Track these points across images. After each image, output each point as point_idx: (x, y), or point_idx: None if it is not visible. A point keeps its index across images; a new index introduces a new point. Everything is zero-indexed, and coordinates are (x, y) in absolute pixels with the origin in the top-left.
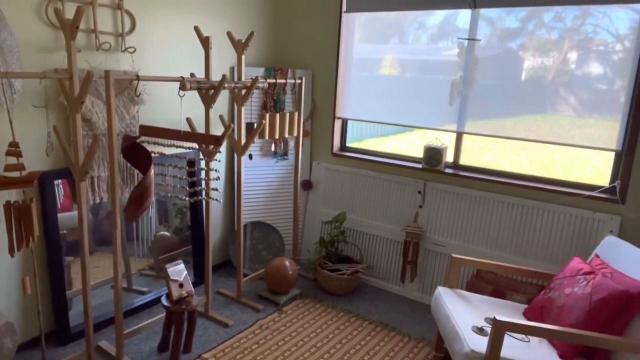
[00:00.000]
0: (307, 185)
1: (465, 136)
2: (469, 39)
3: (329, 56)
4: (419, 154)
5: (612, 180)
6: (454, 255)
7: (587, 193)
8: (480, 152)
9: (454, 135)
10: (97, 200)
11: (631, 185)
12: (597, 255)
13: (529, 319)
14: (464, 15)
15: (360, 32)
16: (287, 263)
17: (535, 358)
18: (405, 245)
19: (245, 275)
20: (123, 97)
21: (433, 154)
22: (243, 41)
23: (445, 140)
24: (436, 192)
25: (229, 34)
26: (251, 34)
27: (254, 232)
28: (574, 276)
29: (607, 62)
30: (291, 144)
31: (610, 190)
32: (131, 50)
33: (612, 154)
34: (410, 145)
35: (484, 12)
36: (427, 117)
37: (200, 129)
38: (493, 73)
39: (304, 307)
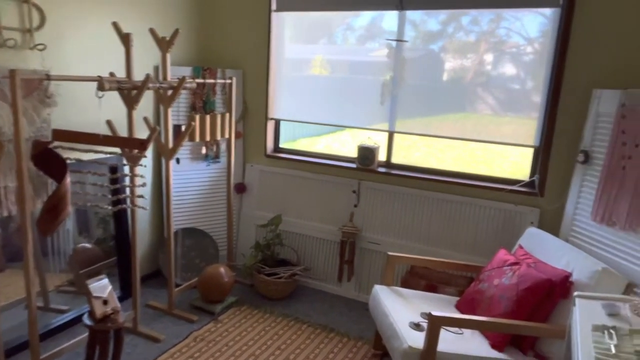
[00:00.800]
0: (241, 188)
1: (396, 135)
2: (397, 40)
3: (260, 56)
4: (353, 153)
5: (532, 174)
6: (390, 253)
7: (510, 187)
8: (410, 150)
9: (386, 134)
10: (5, 213)
11: (549, 179)
12: (520, 246)
13: (461, 311)
14: (390, 17)
15: (290, 32)
16: (222, 270)
17: (469, 349)
18: (341, 245)
19: (177, 286)
20: (32, 98)
21: (366, 154)
22: (167, 39)
23: (377, 140)
24: (370, 191)
25: (151, 30)
26: (176, 31)
27: (185, 240)
28: (500, 267)
29: (520, 63)
30: (223, 146)
31: (530, 184)
32: (41, 47)
33: (531, 150)
34: (342, 144)
35: (409, 14)
36: (360, 116)
37: (123, 132)
38: (419, 74)
39: (240, 314)
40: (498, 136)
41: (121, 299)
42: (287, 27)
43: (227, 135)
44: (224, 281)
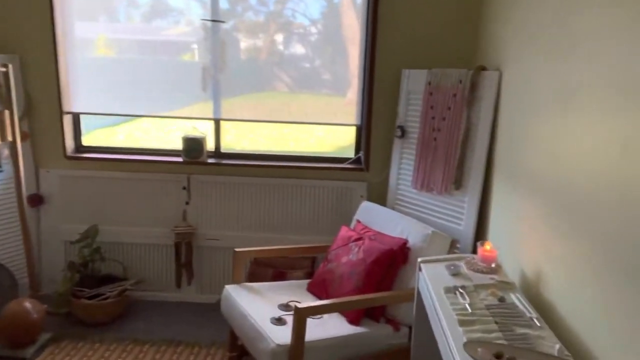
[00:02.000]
0: (36, 200)
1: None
2: (212, 21)
3: (43, 36)
4: (167, 143)
5: (357, 151)
6: (236, 249)
7: (340, 166)
8: (223, 135)
9: (212, 122)
10: None
11: (372, 155)
12: (358, 221)
13: (314, 293)
14: None
15: (80, 6)
16: (26, 305)
17: (330, 332)
18: (176, 247)
19: None
20: None
21: (193, 145)
22: None
23: (203, 129)
24: (202, 184)
25: None
26: None
27: None
28: (346, 245)
29: (307, 43)
30: (5, 152)
31: (356, 160)
32: None
33: (341, 128)
34: (145, 133)
35: None
36: (175, 103)
37: None
38: (214, 54)
39: (61, 352)
40: (322, 117)
41: None
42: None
43: (9, 138)
44: (31, 318)
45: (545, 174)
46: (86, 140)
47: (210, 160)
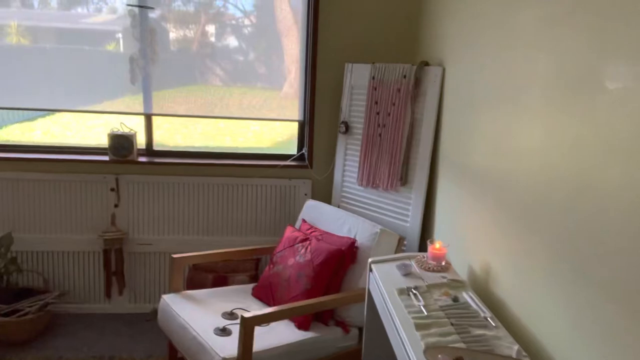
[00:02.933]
0: None
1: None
2: (140, 7)
3: None
4: (88, 141)
5: (299, 148)
6: (174, 255)
7: (283, 163)
8: (155, 131)
9: (142, 117)
10: None
11: (315, 151)
12: (304, 220)
13: (260, 298)
14: None
15: None
16: None
17: (279, 339)
18: (105, 254)
19: None
20: None
21: (121, 142)
22: None
23: (132, 124)
24: (132, 185)
25: None
26: None
27: None
28: (292, 246)
29: (240, 35)
30: None
31: (299, 157)
32: None
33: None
34: (65, 128)
35: None
36: (100, 96)
37: None
38: (142, 44)
39: None
40: (260, 111)
41: None
42: None
43: None
44: None
45: (491, 170)
46: None
47: (141, 159)
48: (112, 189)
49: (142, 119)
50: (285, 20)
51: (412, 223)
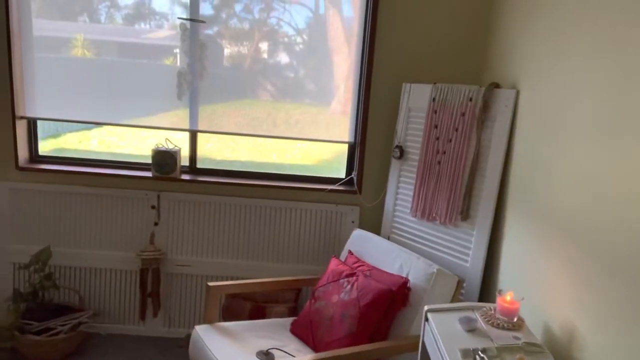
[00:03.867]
0: None
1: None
2: (192, 20)
3: None
4: (141, 151)
5: (348, 172)
6: (210, 284)
7: (330, 187)
8: (201, 145)
9: (187, 134)
10: None
11: (366, 176)
12: (350, 252)
13: (299, 336)
14: None
15: (38, 4)
16: None
17: None
18: (142, 274)
19: None
20: None
21: (165, 159)
22: None
23: (177, 140)
24: (173, 203)
25: None
26: None
27: None
28: (336, 281)
29: (292, 52)
30: None
31: (348, 182)
32: None
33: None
34: (120, 138)
35: None
36: (148, 110)
37: None
38: (192, 58)
39: None
40: (309, 130)
41: None
42: None
43: None
44: None
45: (585, 213)
46: (56, 144)
47: (183, 177)
48: (153, 207)
49: (187, 134)
50: (337, 38)
51: (472, 264)
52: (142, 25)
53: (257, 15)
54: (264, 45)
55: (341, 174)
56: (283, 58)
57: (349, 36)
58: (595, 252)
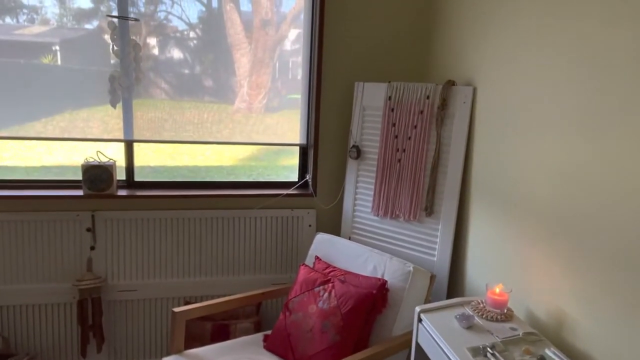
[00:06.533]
0: None
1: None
2: (120, 18)
3: None
4: (27, 160)
5: (301, 175)
6: (175, 309)
7: (285, 192)
8: (136, 157)
9: (122, 144)
10: None
11: (320, 178)
12: (318, 258)
13: (276, 352)
14: None
15: None
16: None
17: None
18: (80, 306)
19: None
20: None
21: (98, 174)
22: None
23: (110, 153)
24: (111, 223)
25: None
26: None
27: None
28: (311, 290)
29: (185, 48)
30: None
31: (302, 185)
32: None
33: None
34: (28, 149)
35: None
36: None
37: None
38: (79, 58)
39: None
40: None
41: None
42: None
43: None
44: None
45: (544, 200)
46: None
47: (121, 192)
48: (88, 229)
49: (123, 145)
50: (236, 34)
51: (439, 258)
52: (9, 20)
53: (142, 9)
54: (152, 41)
55: (257, 172)
56: (176, 54)
57: (248, 32)
58: (563, 236)
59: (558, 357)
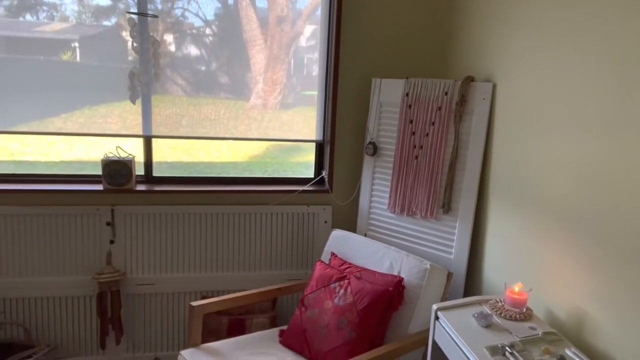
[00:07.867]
0: None
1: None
2: (139, 14)
3: None
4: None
5: (317, 171)
6: (193, 303)
7: (301, 188)
8: (155, 153)
9: (141, 140)
10: None
11: (337, 174)
12: (334, 255)
13: (293, 348)
14: None
15: None
16: None
17: None
18: (100, 298)
19: None
20: None
21: (118, 169)
22: None
23: (128, 148)
24: (130, 217)
25: None
26: None
27: None
28: (327, 286)
29: (202, 44)
30: None
31: (318, 181)
32: None
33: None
34: (24, 144)
35: None
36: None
37: None
38: (98, 55)
39: None
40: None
41: None
42: None
43: None
44: None
45: (566, 198)
46: None
47: (139, 187)
48: (108, 223)
49: (142, 141)
50: (251, 30)
51: (457, 256)
52: (29, 17)
53: (160, 6)
54: (169, 38)
55: (268, 168)
56: (192, 50)
57: (264, 28)
58: (583, 234)
59: (578, 357)
